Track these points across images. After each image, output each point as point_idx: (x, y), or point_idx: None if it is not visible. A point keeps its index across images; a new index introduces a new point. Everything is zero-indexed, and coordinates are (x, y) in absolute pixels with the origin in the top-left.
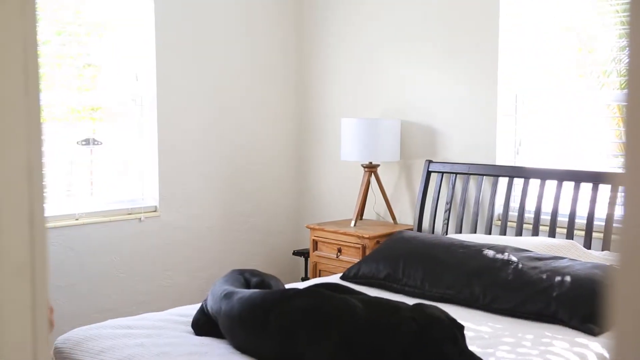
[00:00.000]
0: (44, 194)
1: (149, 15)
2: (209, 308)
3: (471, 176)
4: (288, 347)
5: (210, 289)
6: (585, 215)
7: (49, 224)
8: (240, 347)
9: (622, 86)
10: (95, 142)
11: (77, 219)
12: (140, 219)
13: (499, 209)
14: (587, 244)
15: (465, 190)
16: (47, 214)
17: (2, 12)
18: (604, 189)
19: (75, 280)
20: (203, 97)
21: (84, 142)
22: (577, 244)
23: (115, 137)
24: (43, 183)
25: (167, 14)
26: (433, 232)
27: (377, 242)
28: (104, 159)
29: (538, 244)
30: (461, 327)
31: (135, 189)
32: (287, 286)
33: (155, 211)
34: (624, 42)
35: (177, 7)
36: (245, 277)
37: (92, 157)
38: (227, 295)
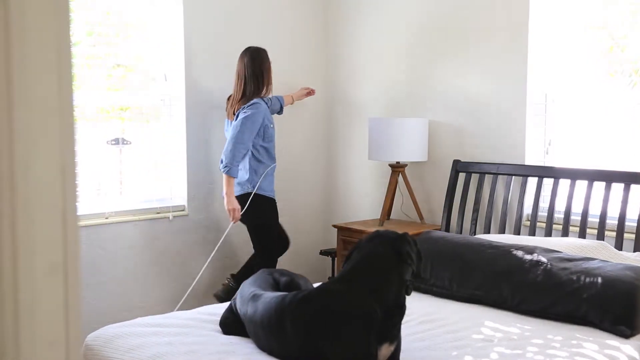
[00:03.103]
0: (77, 194)
1: (177, 15)
2: (237, 309)
3: (500, 176)
4: (309, 347)
5: (239, 289)
6: (617, 216)
7: (80, 223)
8: (265, 349)
9: None
10: (125, 142)
11: (106, 218)
12: (169, 218)
13: (527, 209)
14: (619, 245)
15: (493, 190)
16: (78, 213)
17: (37, 13)
18: (636, 190)
19: (105, 278)
20: None
21: (113, 142)
22: (608, 245)
23: (144, 136)
24: (76, 182)
25: (196, 14)
26: (461, 232)
27: None
28: (133, 158)
29: (568, 245)
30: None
31: (163, 188)
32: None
33: (183, 210)
34: None
35: (206, 8)
36: (275, 277)
37: (121, 157)
38: (254, 298)
